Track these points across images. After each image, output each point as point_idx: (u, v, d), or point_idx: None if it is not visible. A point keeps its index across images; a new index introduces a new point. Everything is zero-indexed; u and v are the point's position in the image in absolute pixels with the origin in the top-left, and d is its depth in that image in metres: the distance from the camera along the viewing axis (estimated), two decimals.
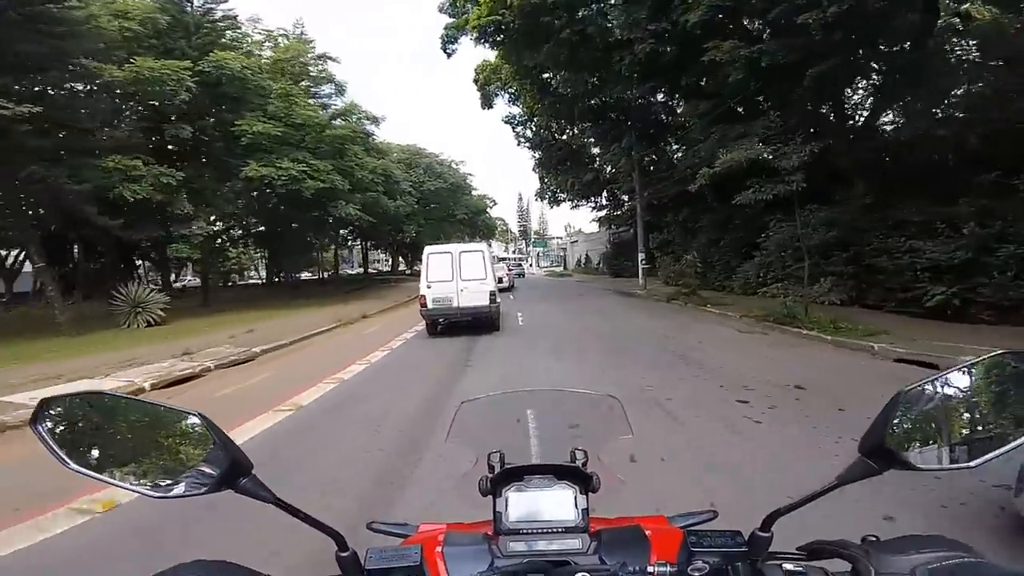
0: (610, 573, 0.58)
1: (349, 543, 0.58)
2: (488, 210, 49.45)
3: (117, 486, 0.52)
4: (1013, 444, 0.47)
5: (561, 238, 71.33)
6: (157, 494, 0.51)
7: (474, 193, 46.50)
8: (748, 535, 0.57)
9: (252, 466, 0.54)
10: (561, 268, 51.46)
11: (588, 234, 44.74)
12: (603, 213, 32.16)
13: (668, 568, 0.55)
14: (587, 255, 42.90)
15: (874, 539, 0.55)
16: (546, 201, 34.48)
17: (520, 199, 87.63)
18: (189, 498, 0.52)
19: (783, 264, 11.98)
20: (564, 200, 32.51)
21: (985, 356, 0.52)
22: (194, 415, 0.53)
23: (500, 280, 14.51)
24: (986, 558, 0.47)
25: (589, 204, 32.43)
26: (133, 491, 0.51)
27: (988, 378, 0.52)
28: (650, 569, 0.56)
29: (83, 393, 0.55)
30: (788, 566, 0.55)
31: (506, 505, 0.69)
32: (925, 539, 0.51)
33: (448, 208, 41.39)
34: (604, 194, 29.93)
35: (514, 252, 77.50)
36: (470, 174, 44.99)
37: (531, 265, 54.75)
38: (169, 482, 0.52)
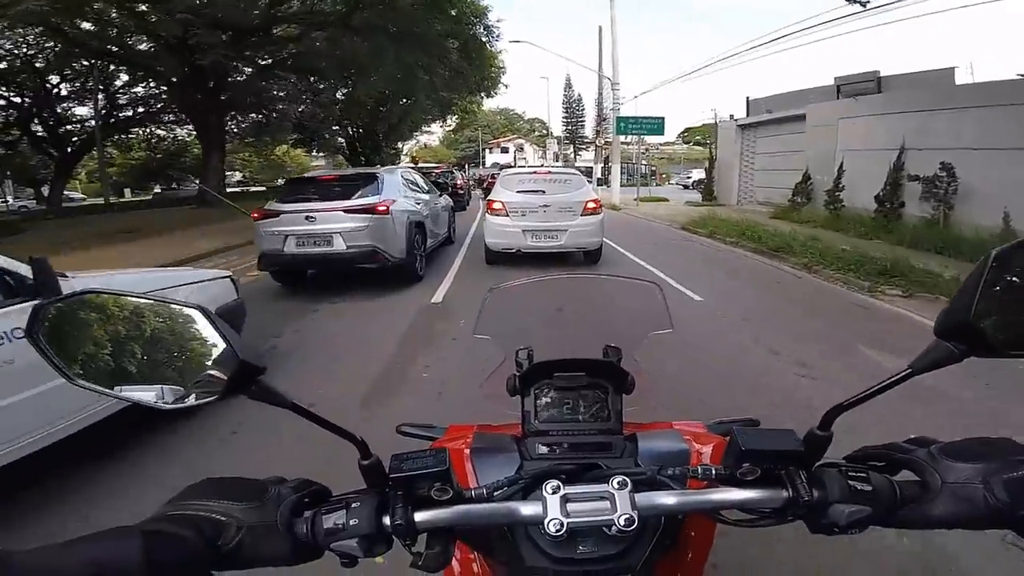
0: (647, 477, 0.51)
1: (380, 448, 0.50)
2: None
3: (124, 399, 0.47)
4: None
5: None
6: (166, 407, 0.46)
7: None
8: (803, 435, 0.48)
9: (264, 367, 0.46)
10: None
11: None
12: None
13: (714, 470, 0.49)
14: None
15: (930, 440, 0.47)
16: None
17: (568, 85, 55.07)
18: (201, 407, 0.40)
19: None
20: None
21: None
22: (195, 308, 0.47)
23: None
24: None
25: None
26: (143, 404, 0.46)
27: None
28: (692, 471, 0.50)
29: (77, 293, 0.47)
30: (850, 469, 0.46)
31: (535, 405, 0.66)
32: (992, 442, 0.45)
33: None
34: None
35: (556, 158, 46.05)
36: None
37: (597, 179, 20.11)
38: (177, 391, 0.47)
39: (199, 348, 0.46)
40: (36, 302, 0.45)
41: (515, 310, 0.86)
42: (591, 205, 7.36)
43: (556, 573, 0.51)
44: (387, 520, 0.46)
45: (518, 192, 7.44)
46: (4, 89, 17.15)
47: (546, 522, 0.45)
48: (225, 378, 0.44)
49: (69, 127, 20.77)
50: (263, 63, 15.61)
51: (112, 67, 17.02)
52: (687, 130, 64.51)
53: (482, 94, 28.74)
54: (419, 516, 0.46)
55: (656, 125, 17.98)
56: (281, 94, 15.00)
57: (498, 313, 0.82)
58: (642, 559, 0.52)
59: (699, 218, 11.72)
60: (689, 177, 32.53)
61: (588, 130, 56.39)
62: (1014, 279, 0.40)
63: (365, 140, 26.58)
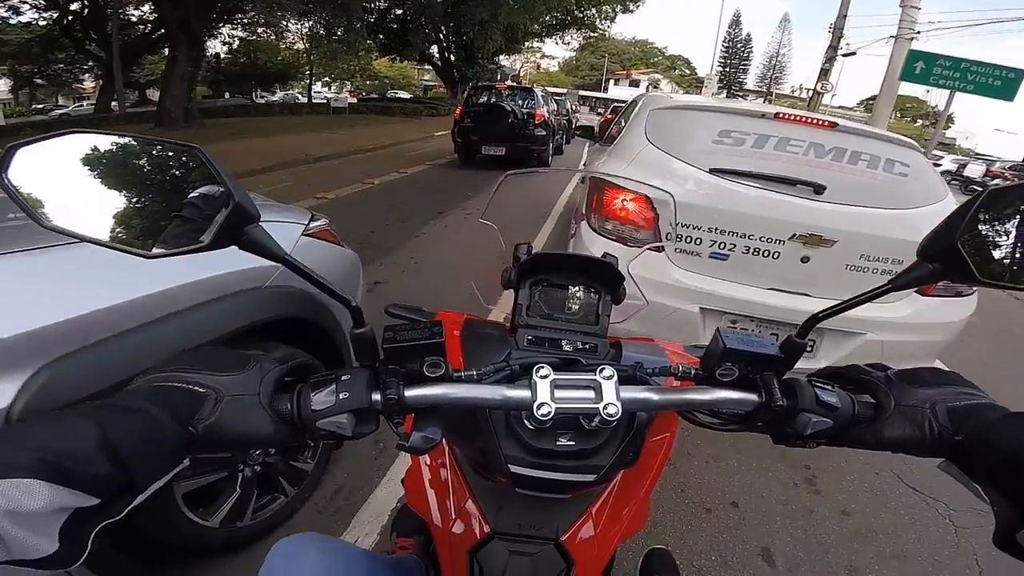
0: (629, 373, 0.53)
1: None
2: None
3: (101, 244, 0.42)
4: None
5: None
6: (149, 252, 0.42)
7: None
8: (781, 341, 0.49)
9: (258, 215, 0.43)
10: None
11: None
12: None
13: (693, 370, 0.52)
14: None
15: (886, 367, 0.50)
16: None
17: (735, 22, 42.88)
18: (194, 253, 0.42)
19: None
20: None
21: None
22: (193, 147, 0.43)
23: None
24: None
25: None
26: (122, 251, 0.42)
27: None
28: (672, 368, 0.53)
29: (58, 133, 0.42)
30: (818, 382, 0.48)
31: (528, 299, 0.65)
32: (941, 374, 0.47)
33: None
34: None
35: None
36: None
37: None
38: (163, 237, 0.42)
39: (191, 192, 0.42)
40: (11, 144, 0.41)
41: (525, 199, 0.69)
42: None
43: (532, 465, 0.52)
44: (377, 396, 0.43)
45: (716, 174, 1.95)
46: None
47: (535, 406, 0.44)
48: (217, 223, 0.41)
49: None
50: None
51: None
52: (870, 99, 51.27)
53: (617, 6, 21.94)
54: (410, 392, 0.44)
55: (1006, 78, 8.85)
56: None
57: (509, 199, 0.60)
58: (610, 461, 0.53)
59: None
60: (938, 164, 21.50)
61: (751, 78, 45.14)
62: (1002, 216, 0.42)
63: (460, 51, 21.35)
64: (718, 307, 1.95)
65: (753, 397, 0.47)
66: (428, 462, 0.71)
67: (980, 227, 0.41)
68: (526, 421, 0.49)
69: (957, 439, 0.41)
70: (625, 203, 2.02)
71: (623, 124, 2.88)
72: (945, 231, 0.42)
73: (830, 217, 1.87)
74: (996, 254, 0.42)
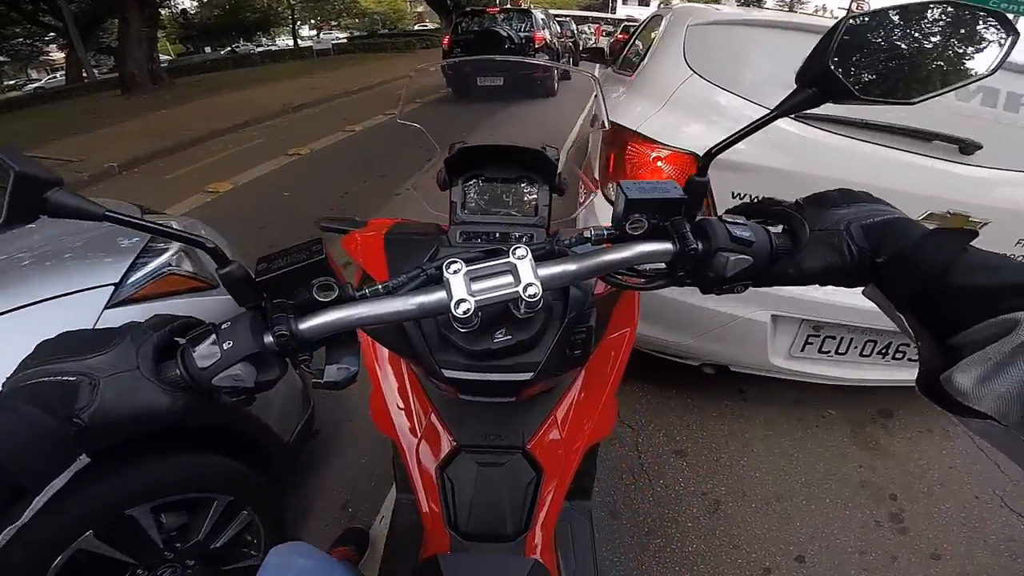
0: (544, 250, 0.52)
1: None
2: None
3: None
4: (953, 86, 0.45)
5: None
6: None
7: None
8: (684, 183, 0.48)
9: (59, 180, 0.38)
10: None
11: None
12: None
13: (605, 232, 0.50)
14: None
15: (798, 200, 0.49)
16: None
17: None
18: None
19: None
20: None
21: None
22: None
23: None
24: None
25: None
26: None
27: (933, 20, 0.47)
28: (586, 234, 0.52)
29: None
30: (728, 219, 0.46)
31: (463, 197, 0.63)
32: (849, 193, 0.47)
33: None
34: None
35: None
36: None
37: None
38: None
39: None
40: None
41: (523, 139, 0.74)
42: None
43: (467, 368, 0.51)
44: (269, 337, 0.38)
45: (803, 120, 1.26)
46: None
47: (453, 305, 0.41)
48: (6, 199, 0.36)
49: None
50: None
51: None
52: None
53: None
54: (304, 324, 0.39)
55: None
56: None
57: (503, 136, 0.71)
58: (546, 354, 0.52)
59: None
60: None
61: None
62: (867, 40, 0.43)
63: None
64: (798, 313, 1.43)
65: (668, 246, 0.45)
66: (395, 384, 0.68)
67: (851, 51, 0.41)
68: (455, 324, 0.45)
69: (879, 261, 0.38)
70: (659, 165, 1.39)
71: (641, 47, 2.19)
72: (817, 56, 0.41)
73: (983, 188, 1.23)
74: (868, 74, 0.43)
